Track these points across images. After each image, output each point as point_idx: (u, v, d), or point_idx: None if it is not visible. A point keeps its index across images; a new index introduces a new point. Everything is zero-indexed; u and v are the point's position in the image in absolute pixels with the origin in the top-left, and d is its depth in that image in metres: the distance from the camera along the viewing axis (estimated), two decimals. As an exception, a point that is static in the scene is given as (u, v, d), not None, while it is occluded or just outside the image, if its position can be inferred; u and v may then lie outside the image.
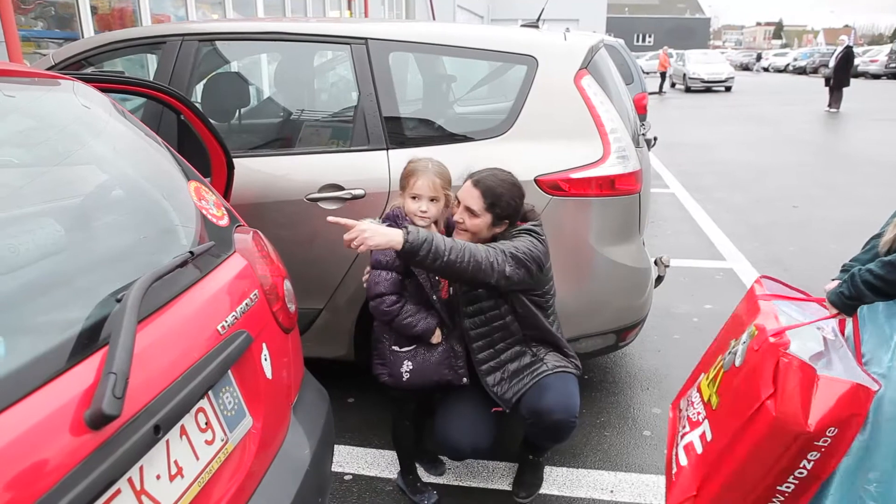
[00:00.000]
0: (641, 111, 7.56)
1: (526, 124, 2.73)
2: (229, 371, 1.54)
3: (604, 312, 2.84)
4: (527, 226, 2.27)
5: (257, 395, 1.60)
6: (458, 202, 2.26)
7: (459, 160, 2.57)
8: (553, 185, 2.67)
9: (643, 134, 4.13)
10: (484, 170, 2.30)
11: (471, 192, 2.24)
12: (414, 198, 2.25)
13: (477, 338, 2.34)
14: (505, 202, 2.23)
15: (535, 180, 2.67)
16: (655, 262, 3.31)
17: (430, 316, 2.29)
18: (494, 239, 2.27)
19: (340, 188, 2.77)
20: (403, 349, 2.33)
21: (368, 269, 2.33)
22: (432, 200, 2.26)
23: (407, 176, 2.28)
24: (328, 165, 2.84)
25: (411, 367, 2.31)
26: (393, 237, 1.98)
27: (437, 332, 2.32)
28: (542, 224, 2.34)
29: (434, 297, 2.30)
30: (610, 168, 2.67)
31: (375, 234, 1.97)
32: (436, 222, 2.35)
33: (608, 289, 2.81)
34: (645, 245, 3.06)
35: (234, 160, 2.63)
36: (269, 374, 1.67)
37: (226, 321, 1.52)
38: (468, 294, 2.30)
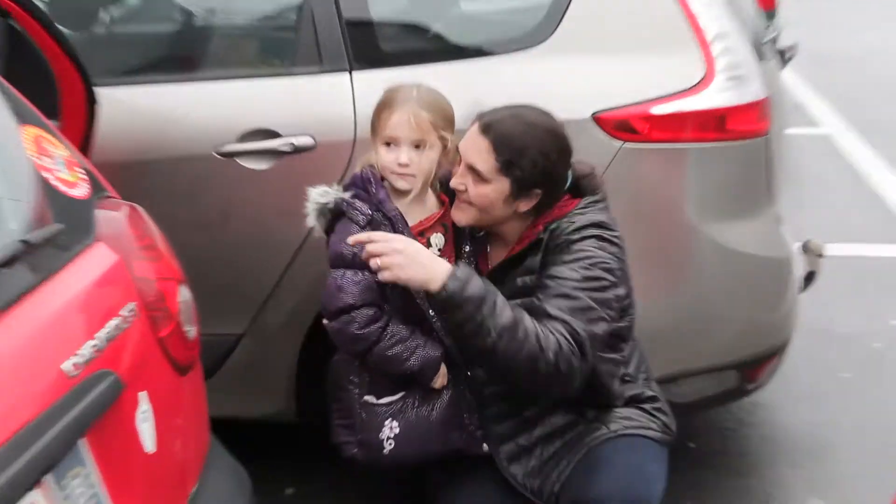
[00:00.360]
0: (768, 4, 7.50)
1: (575, 28, 2.75)
2: (82, 440, 1.55)
3: (715, 335, 2.83)
4: (583, 221, 2.23)
5: (129, 482, 1.61)
6: (459, 158, 2.31)
7: (468, 89, 2.54)
8: (623, 126, 2.66)
9: (772, 40, 4.12)
10: (502, 107, 2.29)
11: (476, 143, 2.24)
12: (388, 144, 2.29)
13: (493, 400, 2.35)
14: (531, 160, 2.22)
15: (594, 118, 2.65)
16: (803, 249, 3.26)
17: (429, 341, 2.31)
18: (516, 228, 2.32)
19: (274, 135, 2.76)
20: (384, 400, 2.33)
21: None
22: (417, 147, 2.28)
23: (378, 109, 2.33)
24: (254, 99, 2.82)
25: (397, 431, 2.32)
26: (437, 273, 2.04)
27: (443, 369, 2.34)
28: (607, 196, 2.36)
29: (430, 312, 2.32)
30: (716, 97, 2.66)
31: (413, 263, 2.05)
32: (431, 186, 2.39)
33: (721, 294, 2.79)
34: (782, 222, 3.03)
35: (99, 92, 2.60)
36: (149, 446, 1.67)
37: (78, 355, 1.53)
38: None
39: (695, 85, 2.66)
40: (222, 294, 2.76)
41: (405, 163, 2.26)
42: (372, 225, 2.23)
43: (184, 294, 1.89)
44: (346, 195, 2.28)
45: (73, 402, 1.47)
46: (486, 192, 2.24)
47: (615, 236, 2.24)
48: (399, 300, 2.29)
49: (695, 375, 2.84)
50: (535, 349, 2.04)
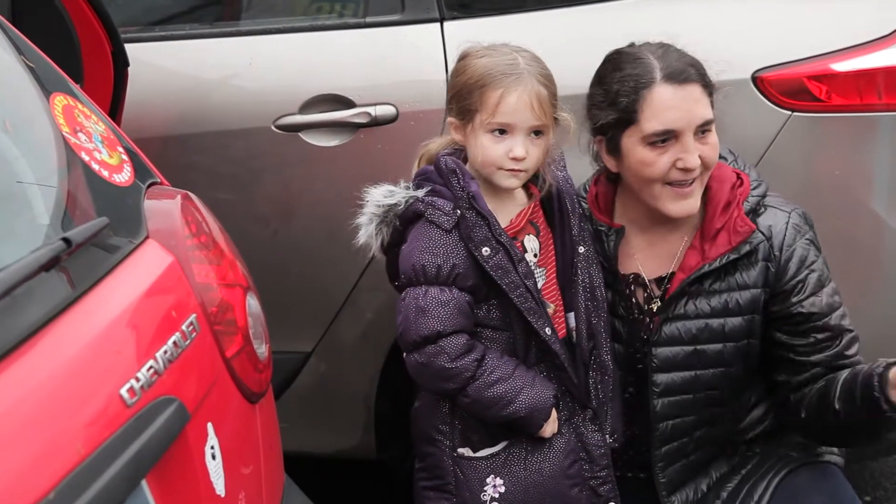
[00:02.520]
0: None
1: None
2: (143, 481, 1.57)
3: None
4: (792, 220, 2.40)
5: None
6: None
7: (586, 43, 2.59)
8: (794, 89, 2.66)
9: None
10: (633, 52, 2.40)
11: (691, 94, 2.33)
12: (499, 131, 2.26)
13: (670, 436, 2.46)
14: None
15: (755, 80, 2.67)
16: None
17: (538, 378, 2.33)
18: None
19: (346, 103, 2.81)
20: (483, 453, 2.37)
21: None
22: (536, 135, 2.28)
23: (475, 86, 2.28)
24: (319, 57, 2.87)
25: (503, 490, 2.35)
26: None
27: (553, 414, 2.35)
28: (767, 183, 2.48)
29: (547, 330, 2.33)
30: None
31: None
32: (534, 183, 2.39)
33: None
34: None
35: (130, 48, 2.67)
36: (219, 487, 1.69)
37: (136, 380, 1.55)
38: (671, 330, 2.42)
39: (891, 33, 2.65)
40: (285, 303, 2.81)
41: (521, 156, 2.24)
42: (460, 227, 2.23)
43: (252, 304, 1.91)
44: (421, 193, 2.28)
45: (133, 436, 1.47)
46: (716, 140, 2.35)
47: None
48: (499, 319, 2.31)
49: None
50: None
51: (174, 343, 1.65)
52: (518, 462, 2.34)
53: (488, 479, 2.34)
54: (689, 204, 2.34)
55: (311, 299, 2.92)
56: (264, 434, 1.89)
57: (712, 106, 2.34)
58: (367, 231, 2.30)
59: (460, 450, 2.36)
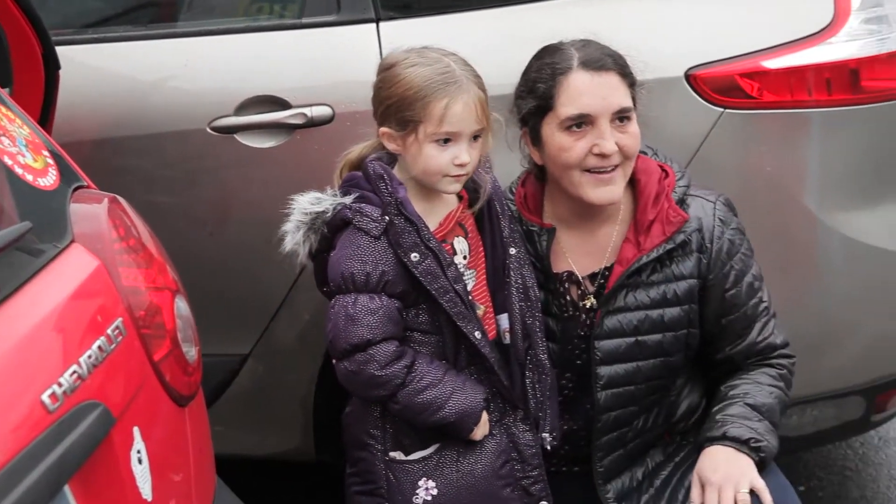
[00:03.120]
0: None
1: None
2: (65, 487, 1.55)
3: (838, 351, 2.86)
4: (719, 213, 2.46)
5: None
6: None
7: (520, 42, 2.56)
8: (726, 87, 2.68)
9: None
10: (554, 47, 2.44)
11: (608, 82, 2.37)
12: (444, 140, 2.25)
13: (612, 427, 2.48)
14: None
15: (688, 77, 2.68)
16: None
17: (468, 382, 2.33)
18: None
19: (282, 104, 2.81)
20: (414, 456, 2.37)
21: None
22: (475, 139, 2.29)
23: (415, 97, 2.25)
24: (255, 58, 2.87)
25: (435, 493, 2.35)
26: None
27: (484, 416, 2.34)
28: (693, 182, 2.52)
29: (476, 334, 2.32)
30: (849, 45, 2.66)
31: None
32: (473, 188, 2.38)
33: (847, 301, 2.81)
34: None
35: (61, 51, 2.63)
36: (146, 492, 1.68)
37: (58, 385, 1.53)
38: (612, 323, 2.45)
39: (821, 30, 2.66)
40: (221, 306, 2.82)
41: (467, 161, 2.25)
42: (389, 234, 2.23)
43: (181, 307, 1.89)
44: (348, 199, 2.27)
45: (55, 442, 1.46)
46: (637, 130, 2.38)
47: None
48: (428, 323, 2.31)
49: (810, 402, 2.85)
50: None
51: (99, 347, 1.64)
52: (450, 465, 2.34)
53: (420, 483, 2.34)
54: (609, 191, 2.36)
55: (248, 301, 2.90)
56: (194, 437, 1.88)
57: (633, 98, 2.37)
58: (295, 239, 2.29)
59: (392, 454, 2.36)
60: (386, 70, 2.30)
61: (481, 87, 2.27)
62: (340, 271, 2.26)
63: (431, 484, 2.34)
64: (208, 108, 2.83)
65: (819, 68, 2.66)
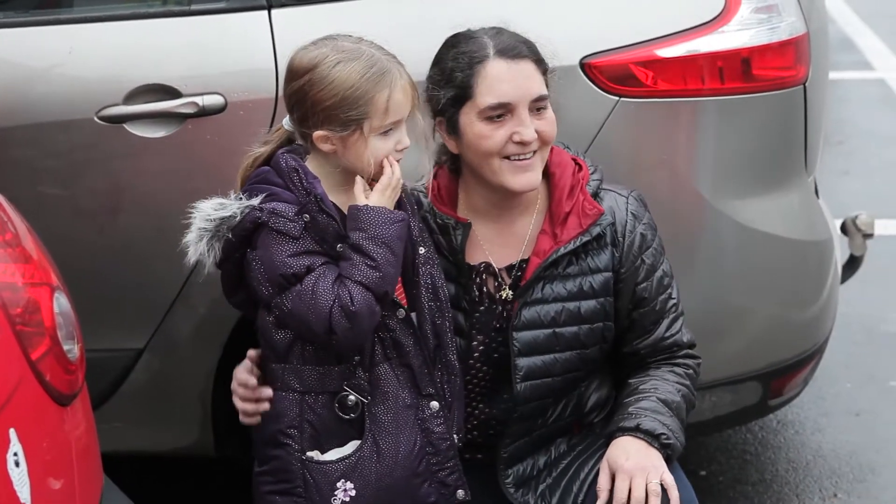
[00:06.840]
0: None
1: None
2: None
3: (733, 337, 2.91)
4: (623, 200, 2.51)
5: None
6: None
7: (417, 31, 2.63)
8: (620, 75, 2.71)
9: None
10: (466, 34, 2.47)
11: (522, 71, 2.39)
12: (388, 131, 2.29)
13: (528, 417, 2.51)
14: None
15: (583, 66, 2.71)
16: (843, 229, 3.34)
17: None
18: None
19: (172, 93, 2.77)
20: (331, 455, 2.36)
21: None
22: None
23: (356, 94, 2.25)
24: (143, 46, 2.84)
25: (353, 494, 2.36)
26: None
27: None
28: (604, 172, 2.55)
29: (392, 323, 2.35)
30: (740, 34, 2.71)
31: None
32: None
33: (741, 287, 2.85)
34: (819, 195, 3.10)
35: None
36: (24, 495, 1.66)
37: None
38: (530, 314, 2.46)
39: (712, 19, 2.69)
40: (114, 300, 2.79)
41: (408, 143, 2.30)
42: (311, 230, 2.21)
43: (61, 303, 1.85)
44: (256, 201, 2.21)
45: None
46: (553, 116, 2.42)
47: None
48: None
49: (708, 389, 2.87)
50: None
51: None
52: (368, 465, 2.34)
53: (339, 484, 2.34)
54: (529, 178, 2.39)
55: (142, 295, 2.86)
56: (78, 436, 1.85)
57: (547, 85, 2.40)
58: (198, 249, 2.23)
59: (309, 453, 2.34)
60: (309, 72, 2.25)
61: (402, 66, 2.30)
62: (280, 272, 2.23)
63: (350, 485, 2.34)
64: (96, 96, 2.78)
65: (712, 57, 2.71)
